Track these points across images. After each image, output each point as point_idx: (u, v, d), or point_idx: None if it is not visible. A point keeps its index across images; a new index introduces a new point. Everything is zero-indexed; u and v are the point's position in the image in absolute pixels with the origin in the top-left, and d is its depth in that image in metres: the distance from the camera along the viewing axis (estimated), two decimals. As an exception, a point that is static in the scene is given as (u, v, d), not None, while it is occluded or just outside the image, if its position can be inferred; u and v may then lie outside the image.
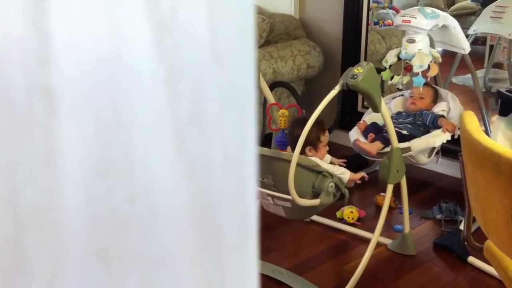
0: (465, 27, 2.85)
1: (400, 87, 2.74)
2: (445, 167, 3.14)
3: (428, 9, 2.61)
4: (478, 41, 3.74)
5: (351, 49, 3.57)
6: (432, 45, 2.61)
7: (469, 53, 2.72)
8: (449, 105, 2.69)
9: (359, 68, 2.10)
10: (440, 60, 2.62)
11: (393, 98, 2.87)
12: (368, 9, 3.57)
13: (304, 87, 3.73)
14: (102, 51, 0.28)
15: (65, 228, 0.27)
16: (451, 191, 2.99)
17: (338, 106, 3.48)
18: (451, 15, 2.73)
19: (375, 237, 2.30)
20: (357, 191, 2.94)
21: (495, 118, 2.25)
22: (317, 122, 2.12)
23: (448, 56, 3.06)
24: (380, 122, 2.58)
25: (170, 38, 0.29)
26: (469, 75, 2.93)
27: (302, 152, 2.13)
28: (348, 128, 2.76)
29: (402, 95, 2.87)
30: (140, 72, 0.29)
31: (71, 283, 0.29)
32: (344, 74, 2.14)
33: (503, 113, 2.12)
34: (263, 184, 2.13)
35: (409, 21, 2.55)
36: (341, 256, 2.55)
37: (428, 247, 2.58)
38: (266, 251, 2.49)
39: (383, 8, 4.37)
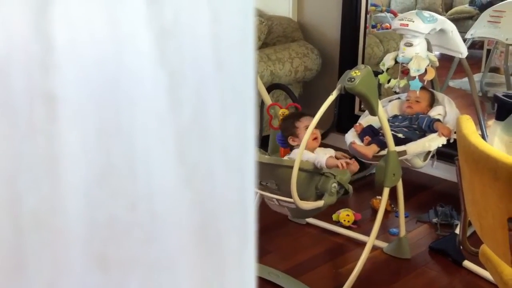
0: (462, 31, 2.85)
1: (397, 90, 2.74)
2: (442, 171, 3.14)
3: (426, 13, 2.61)
4: (475, 45, 3.75)
5: (349, 52, 3.58)
6: (429, 49, 2.62)
7: (466, 57, 2.73)
8: (446, 109, 2.69)
9: (357, 71, 2.10)
10: (437, 64, 2.63)
11: (389, 101, 2.88)
12: (366, 12, 3.58)
13: (302, 90, 3.74)
14: (104, 56, 0.28)
15: (66, 233, 0.27)
16: (447, 195, 2.99)
17: (335, 109, 3.49)
18: (448, 19, 2.74)
19: (371, 240, 2.30)
20: (353, 194, 2.94)
21: (492, 122, 2.25)
22: (292, 112, 2.22)
23: (445, 60, 3.06)
24: (376, 125, 2.59)
25: (172, 43, 0.29)
26: (466, 79, 2.94)
27: (286, 144, 2.21)
28: (345, 130, 2.77)
29: (399, 98, 2.88)
30: (142, 78, 0.29)
31: (71, 288, 0.29)
32: (341, 77, 2.14)
33: (499, 117, 2.12)
34: (266, 188, 2.15)
35: (407, 25, 2.55)
36: (337, 259, 2.55)
37: (423, 250, 2.58)
38: (263, 254, 2.49)
39: (381, 11, 4.38)
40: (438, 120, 2.62)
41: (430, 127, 2.59)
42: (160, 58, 0.29)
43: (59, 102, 0.27)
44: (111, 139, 0.28)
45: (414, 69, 2.52)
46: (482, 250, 1.70)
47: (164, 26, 0.29)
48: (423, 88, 2.63)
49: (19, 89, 0.26)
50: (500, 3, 3.06)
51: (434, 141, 2.52)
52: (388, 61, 2.65)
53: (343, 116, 3.54)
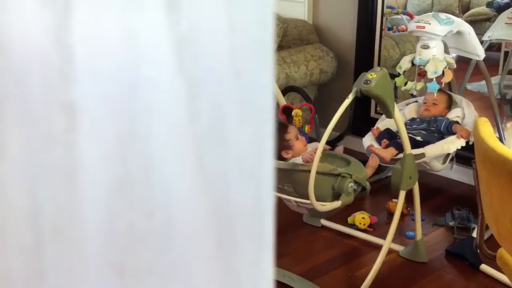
0: (479, 33, 2.83)
1: (414, 93, 2.73)
2: (458, 174, 3.12)
3: (443, 15, 2.59)
4: (492, 47, 3.71)
5: (365, 54, 3.56)
6: (446, 51, 2.60)
7: (484, 60, 2.71)
8: (464, 111, 2.67)
9: (373, 74, 2.09)
10: (455, 66, 2.61)
11: (407, 105, 2.86)
12: (382, 14, 3.56)
13: (317, 92, 3.73)
14: (123, 65, 0.28)
15: (84, 242, 0.28)
16: (464, 198, 2.97)
17: (351, 111, 3.47)
18: (465, 21, 2.71)
19: (387, 243, 2.29)
20: (369, 197, 2.93)
21: (510, 125, 2.23)
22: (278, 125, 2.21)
23: (463, 63, 3.04)
24: (394, 128, 2.57)
25: (190, 53, 0.29)
26: (483, 82, 2.91)
27: (280, 157, 2.22)
28: (361, 133, 2.75)
29: (416, 101, 2.86)
30: (160, 86, 0.29)
31: (89, 296, 0.29)
32: (357, 80, 2.13)
33: (517, 120, 2.10)
34: (284, 191, 2.17)
35: (424, 27, 2.54)
36: (352, 262, 2.54)
37: (440, 254, 2.56)
38: (277, 256, 2.46)
39: (397, 13, 4.35)
40: (457, 122, 2.60)
41: (448, 129, 2.57)
42: (179, 66, 0.29)
43: (78, 112, 0.27)
44: (129, 148, 0.28)
45: (431, 71, 2.50)
46: (500, 254, 1.68)
47: (183, 35, 0.29)
48: (440, 90, 2.61)
49: (39, 98, 0.26)
50: (518, 5, 3.03)
51: (453, 143, 2.50)
52: (404, 63, 2.63)
53: (359, 119, 3.53)
